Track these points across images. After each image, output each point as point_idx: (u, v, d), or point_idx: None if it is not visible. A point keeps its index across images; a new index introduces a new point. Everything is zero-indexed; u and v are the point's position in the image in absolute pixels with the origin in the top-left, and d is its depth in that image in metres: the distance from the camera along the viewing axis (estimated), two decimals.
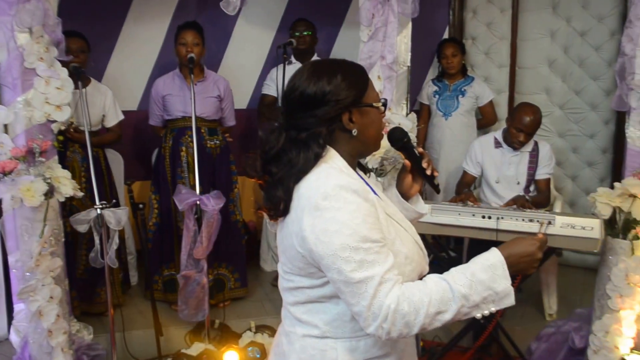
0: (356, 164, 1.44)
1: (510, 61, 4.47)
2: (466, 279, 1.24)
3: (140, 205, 2.89)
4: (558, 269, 3.65)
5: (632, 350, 2.86)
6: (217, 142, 3.60)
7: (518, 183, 3.52)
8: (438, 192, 1.60)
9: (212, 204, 2.93)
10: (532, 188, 3.55)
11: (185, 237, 2.97)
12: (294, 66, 3.81)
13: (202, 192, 3.08)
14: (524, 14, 4.41)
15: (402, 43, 3.16)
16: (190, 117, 3.21)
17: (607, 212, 2.75)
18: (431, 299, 1.22)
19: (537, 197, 3.49)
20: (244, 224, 4.32)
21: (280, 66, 3.86)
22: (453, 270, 1.28)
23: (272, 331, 3.37)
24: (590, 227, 2.61)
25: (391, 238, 1.31)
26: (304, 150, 1.31)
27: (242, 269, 3.74)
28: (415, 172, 1.55)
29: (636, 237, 2.75)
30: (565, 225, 2.63)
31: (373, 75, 3.11)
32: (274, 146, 1.34)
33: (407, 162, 1.53)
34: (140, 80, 4.15)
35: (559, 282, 3.62)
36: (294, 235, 1.29)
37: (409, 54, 3.20)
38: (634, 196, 2.71)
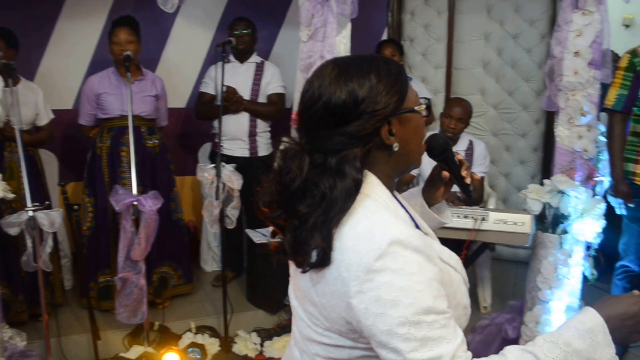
0: (394, 186, 1.17)
1: (447, 62, 4.58)
2: (559, 349, 0.99)
3: (75, 207, 2.81)
4: (492, 263, 3.77)
5: None
6: (156, 141, 3.54)
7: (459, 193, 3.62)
8: (471, 198, 1.39)
9: (150, 204, 2.87)
10: None
11: (123, 238, 2.90)
12: (233, 65, 3.77)
13: (143, 192, 3.03)
14: (459, 16, 4.53)
15: (341, 43, 3.20)
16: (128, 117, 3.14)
17: (537, 208, 2.87)
18: None
19: None
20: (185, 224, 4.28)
21: (219, 64, 3.84)
22: (539, 339, 1.02)
23: (213, 331, 3.35)
24: (522, 223, 2.71)
25: (452, 292, 1.08)
26: (340, 179, 1.02)
27: (187, 266, 3.72)
28: (450, 182, 1.36)
29: (565, 232, 2.89)
30: (497, 221, 2.72)
31: None
32: (295, 176, 1.03)
33: (445, 173, 1.32)
34: (75, 78, 4.02)
35: (492, 275, 3.75)
36: (336, 297, 1.01)
37: (349, 54, 3.24)
38: (562, 192, 2.84)
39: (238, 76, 3.73)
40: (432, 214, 1.36)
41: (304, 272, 1.05)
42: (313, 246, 1.01)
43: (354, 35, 3.26)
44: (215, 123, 3.82)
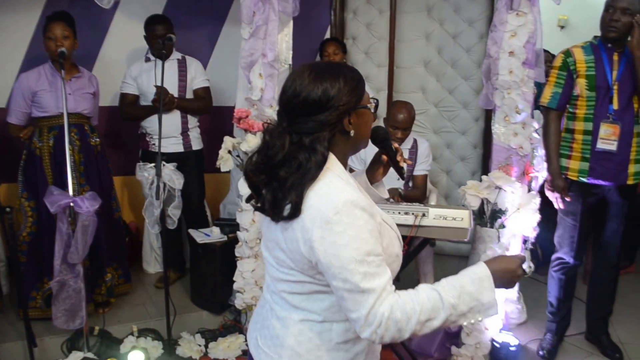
0: (347, 163, 1.51)
1: (389, 61, 4.61)
2: (455, 290, 1.34)
3: (7, 209, 2.69)
4: (434, 258, 3.84)
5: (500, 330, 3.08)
6: (97, 139, 3.45)
7: (398, 179, 3.65)
8: (404, 178, 1.77)
9: (87, 205, 2.78)
10: (411, 183, 3.71)
11: (58, 241, 2.79)
12: (154, 64, 3.54)
13: (88, 192, 2.97)
14: (401, 15, 4.58)
15: (283, 41, 3.19)
16: (71, 114, 3.08)
17: (476, 203, 2.94)
18: (422, 307, 1.31)
19: (412, 192, 3.65)
20: (125, 225, 4.18)
21: (138, 62, 3.81)
22: (444, 281, 1.37)
23: (156, 334, 3.29)
24: (460, 218, 2.75)
25: (386, 244, 1.40)
26: (313, 154, 1.35)
27: (125, 265, 3.68)
28: (387, 164, 1.71)
29: (502, 226, 2.97)
30: (437, 217, 2.75)
31: (255, 73, 3.12)
32: (278, 150, 1.36)
33: (384, 157, 1.70)
34: (7, 75, 3.86)
35: (435, 270, 3.81)
36: (301, 242, 1.34)
37: (291, 52, 3.24)
38: (499, 188, 2.92)
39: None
40: (373, 190, 1.71)
41: (277, 222, 1.38)
42: (288, 201, 1.33)
43: (297, 33, 3.26)
44: (145, 123, 3.76)
